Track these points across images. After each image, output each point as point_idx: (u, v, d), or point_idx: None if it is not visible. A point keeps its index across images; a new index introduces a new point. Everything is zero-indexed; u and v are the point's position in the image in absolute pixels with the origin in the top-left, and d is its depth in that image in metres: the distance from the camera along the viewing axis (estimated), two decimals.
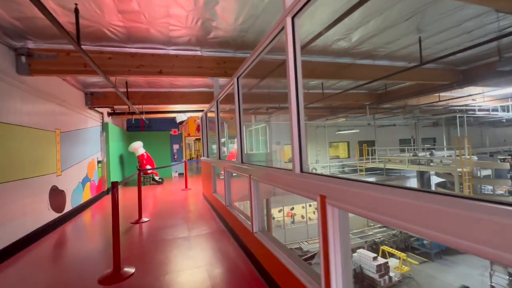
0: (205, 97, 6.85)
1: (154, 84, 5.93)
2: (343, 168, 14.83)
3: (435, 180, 12.12)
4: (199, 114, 9.58)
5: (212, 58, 4.21)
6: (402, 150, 15.82)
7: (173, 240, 3.24)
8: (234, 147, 9.82)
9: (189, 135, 11.88)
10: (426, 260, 8.72)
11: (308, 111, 10.91)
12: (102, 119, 7.00)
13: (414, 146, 15.16)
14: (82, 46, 2.99)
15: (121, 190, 7.75)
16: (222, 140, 11.83)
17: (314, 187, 1.35)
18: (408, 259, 7.83)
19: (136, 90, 6.25)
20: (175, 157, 11.46)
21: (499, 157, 17.79)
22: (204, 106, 7.49)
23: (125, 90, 5.64)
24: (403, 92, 8.33)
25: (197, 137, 16.60)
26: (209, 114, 5.57)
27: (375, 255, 7.48)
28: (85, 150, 5.73)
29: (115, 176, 7.77)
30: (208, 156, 5.48)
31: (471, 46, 4.49)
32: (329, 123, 14.25)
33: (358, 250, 7.88)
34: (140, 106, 7.06)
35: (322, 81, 6.80)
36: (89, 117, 6.12)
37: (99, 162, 6.73)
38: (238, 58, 4.36)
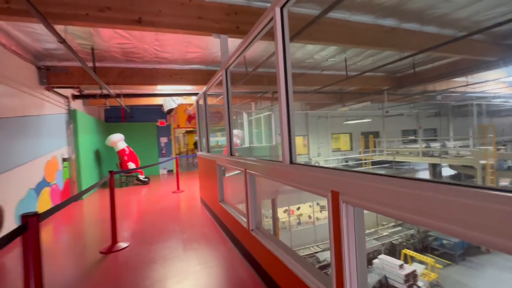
0: (201, 77, 5.46)
1: (133, 57, 4.48)
2: (347, 161, 13.83)
3: (447, 172, 11.33)
4: (193, 100, 8.15)
5: (219, 6, 2.84)
6: (407, 141, 15.04)
7: None
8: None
9: (178, 126, 10.37)
10: (449, 262, 7.88)
11: (314, 98, 9.68)
12: (68, 105, 5.47)
13: (424, 137, 14.30)
14: None
15: (96, 195, 6.28)
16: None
17: None
18: (436, 264, 6.92)
19: (109, 65, 4.76)
20: (163, 152, 9.99)
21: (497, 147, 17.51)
22: (200, 89, 6.10)
23: (92, 61, 4.15)
24: (428, 74, 7.23)
25: (188, 129, 15.11)
26: (210, 100, 4.21)
27: (401, 262, 6.50)
28: (40, 145, 4.24)
29: (89, 177, 6.29)
30: (208, 151, 4.15)
31: None
32: (332, 113, 13.13)
33: (379, 256, 6.89)
34: (118, 90, 5.57)
35: (346, 56, 5.55)
36: (47, 101, 4.59)
37: (64, 160, 5.23)
38: (255, 9, 3.02)
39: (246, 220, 2.26)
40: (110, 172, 2.82)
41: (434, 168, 10.91)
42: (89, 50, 3.97)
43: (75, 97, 5.13)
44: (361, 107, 10.66)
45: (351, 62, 6.08)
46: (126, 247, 2.83)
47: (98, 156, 7.40)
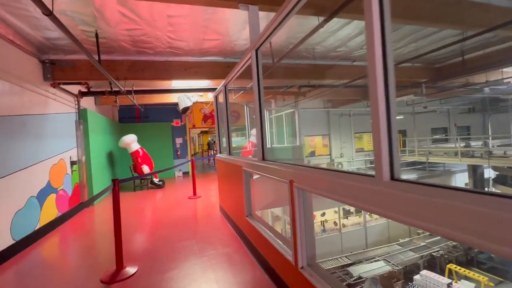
0: (220, 70, 4.88)
1: (144, 47, 3.96)
2: (372, 163, 12.83)
3: (488, 174, 10.14)
4: (209, 98, 7.62)
5: None
6: (438, 140, 13.87)
7: None
8: (250, 139, 7.85)
9: (194, 126, 9.96)
10: (501, 280, 6.85)
11: (340, 93, 8.88)
12: (78, 103, 5.07)
13: (456, 135, 13.09)
14: None
15: (110, 199, 5.87)
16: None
17: None
18: (489, 283, 5.97)
19: (119, 58, 4.29)
20: (178, 153, 9.56)
21: None
22: (217, 84, 5.53)
23: (98, 52, 3.66)
24: (474, 63, 6.26)
25: (203, 129, 14.72)
26: (235, 98, 3.61)
27: (449, 280, 5.64)
28: (45, 147, 3.82)
29: (101, 180, 5.90)
30: (230, 153, 3.55)
31: None
32: (356, 110, 12.24)
33: (421, 272, 6.05)
34: (131, 87, 5.11)
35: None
36: (52, 99, 4.18)
37: (73, 163, 4.83)
38: None
39: (291, 252, 1.62)
40: (114, 181, 2.27)
41: (475, 170, 9.78)
42: (94, 39, 3.48)
43: (82, 94, 4.71)
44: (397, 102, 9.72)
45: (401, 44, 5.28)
46: (133, 274, 2.27)
47: (111, 158, 7.03)
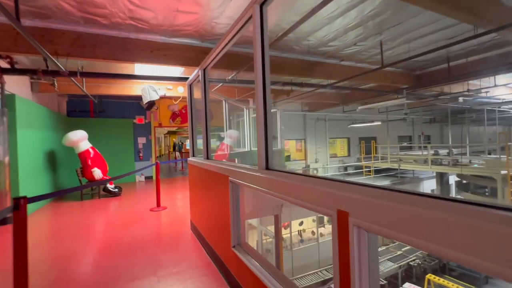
0: (194, 56, 4.05)
1: (95, 13, 2.98)
2: (346, 169, 12.81)
3: (452, 181, 10.63)
4: (179, 93, 6.66)
5: None
6: (406, 148, 14.42)
7: None
8: (223, 141, 7.03)
9: (160, 125, 8.84)
10: (472, 287, 6.95)
11: (318, 97, 8.53)
12: (2, 87, 3.80)
13: (419, 144, 13.68)
14: None
15: (47, 211, 4.60)
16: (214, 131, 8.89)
17: None
18: None
19: (59, 27, 3.22)
20: (141, 155, 8.35)
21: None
22: (190, 73, 4.66)
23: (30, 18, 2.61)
24: (456, 72, 6.27)
25: (171, 129, 13.50)
26: (216, 90, 2.79)
27: None
28: None
29: (35, 187, 4.60)
30: (208, 157, 2.75)
31: None
32: (332, 115, 12.14)
33: (404, 285, 5.78)
34: (77, 68, 3.99)
35: (382, 38, 4.38)
36: None
37: None
38: None
39: None
40: (16, 200, 1.34)
41: (442, 177, 10.16)
42: None
43: (3, 71, 3.49)
44: (362, 109, 9.69)
45: (382, 49, 4.95)
46: None
47: (52, 159, 5.68)
